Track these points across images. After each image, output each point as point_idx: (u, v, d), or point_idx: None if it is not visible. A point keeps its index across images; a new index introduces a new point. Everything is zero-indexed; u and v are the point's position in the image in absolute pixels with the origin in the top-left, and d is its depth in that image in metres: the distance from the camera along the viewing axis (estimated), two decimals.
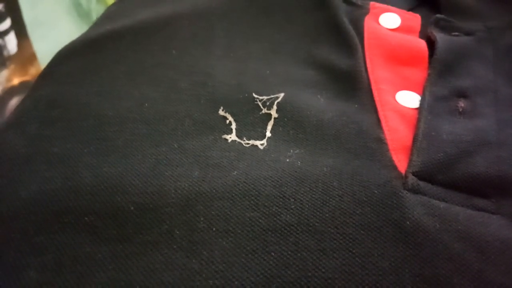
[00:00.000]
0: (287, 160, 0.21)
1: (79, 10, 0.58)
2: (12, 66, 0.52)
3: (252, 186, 0.20)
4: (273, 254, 0.18)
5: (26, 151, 0.22)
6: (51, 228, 0.19)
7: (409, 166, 0.21)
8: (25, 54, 0.53)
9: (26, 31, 0.52)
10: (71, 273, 0.17)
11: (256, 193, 0.20)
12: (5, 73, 0.51)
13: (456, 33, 0.29)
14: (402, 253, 0.18)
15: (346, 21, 0.29)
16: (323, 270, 0.17)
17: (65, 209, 0.19)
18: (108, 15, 0.32)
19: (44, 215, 0.19)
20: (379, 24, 0.30)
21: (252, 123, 0.24)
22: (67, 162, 0.21)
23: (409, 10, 0.32)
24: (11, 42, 0.51)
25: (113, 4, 0.34)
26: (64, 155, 0.21)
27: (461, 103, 0.24)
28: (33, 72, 0.54)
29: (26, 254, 0.18)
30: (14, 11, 0.51)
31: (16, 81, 0.53)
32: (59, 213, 0.19)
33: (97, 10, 0.59)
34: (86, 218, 0.19)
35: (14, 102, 0.52)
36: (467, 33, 0.29)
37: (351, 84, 0.26)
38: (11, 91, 0.52)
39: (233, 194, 0.20)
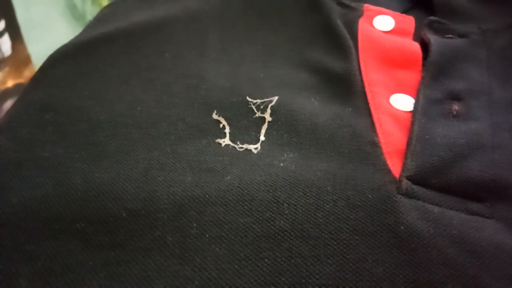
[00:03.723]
0: (281, 164, 0.21)
1: (74, 12, 0.57)
2: (6, 69, 0.51)
3: (246, 191, 0.20)
4: (266, 260, 0.18)
5: (17, 156, 0.21)
6: (42, 235, 0.18)
7: (403, 170, 0.21)
8: (20, 56, 0.52)
9: (20, 33, 0.52)
10: (62, 281, 0.17)
11: (250, 198, 0.19)
12: None
13: (450, 36, 0.29)
14: (397, 258, 0.18)
15: (340, 23, 0.29)
16: (317, 276, 0.17)
17: (56, 216, 0.19)
18: (101, 18, 0.32)
19: (35, 222, 0.19)
20: (373, 26, 0.30)
21: (245, 127, 0.24)
22: (58, 168, 0.21)
23: (403, 12, 0.32)
24: (5, 44, 0.51)
25: (106, 7, 0.34)
26: (55, 160, 0.21)
27: (455, 106, 0.24)
28: (28, 74, 0.53)
29: (17, 262, 0.18)
30: (8, 13, 0.50)
31: (10, 83, 0.52)
32: (50, 220, 0.19)
33: (92, 12, 0.58)
34: (77, 225, 0.19)
35: (8, 104, 0.51)
36: (461, 36, 0.29)
37: (345, 87, 0.26)
38: (5, 94, 0.52)
39: (226, 200, 0.19)
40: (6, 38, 0.51)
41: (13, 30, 0.51)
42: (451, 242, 0.18)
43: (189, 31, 0.29)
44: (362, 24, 0.30)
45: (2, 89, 0.51)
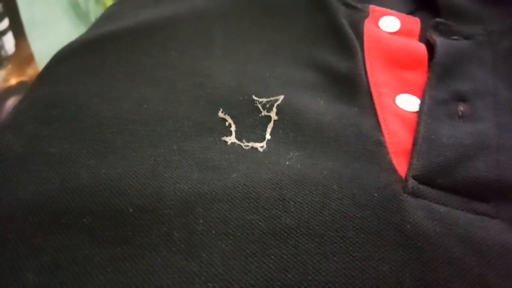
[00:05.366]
0: (287, 162, 0.21)
1: (77, 11, 0.58)
2: (9, 66, 0.52)
3: (252, 188, 0.20)
4: (273, 257, 0.18)
5: (24, 151, 0.22)
6: (48, 229, 0.18)
7: (409, 169, 0.21)
8: (23, 54, 0.53)
9: (24, 31, 0.52)
10: (68, 275, 0.17)
11: (256, 195, 0.20)
12: (2, 73, 0.51)
13: (456, 37, 0.29)
14: (403, 257, 0.18)
15: (345, 24, 0.29)
16: (324, 273, 0.17)
17: (63, 210, 0.19)
18: (107, 16, 0.32)
19: (42, 216, 0.19)
20: (378, 27, 0.30)
21: (251, 125, 0.24)
22: (65, 163, 0.21)
23: (408, 13, 0.32)
24: (8, 42, 0.51)
25: (112, 5, 0.34)
26: (62, 156, 0.21)
27: (461, 107, 0.24)
28: (31, 72, 0.53)
29: (24, 256, 0.18)
30: (12, 11, 0.50)
31: (13, 81, 0.52)
32: (57, 214, 0.19)
33: (95, 11, 0.59)
34: (84, 220, 0.19)
35: (11, 102, 0.51)
36: (467, 37, 0.29)
37: (351, 87, 0.26)
38: (8, 91, 0.52)
39: (233, 197, 0.19)
40: (9, 36, 0.51)
41: (17, 28, 0.51)
42: (457, 241, 0.18)
43: (195, 29, 0.30)
44: (367, 25, 0.30)
45: (5, 87, 0.51)
